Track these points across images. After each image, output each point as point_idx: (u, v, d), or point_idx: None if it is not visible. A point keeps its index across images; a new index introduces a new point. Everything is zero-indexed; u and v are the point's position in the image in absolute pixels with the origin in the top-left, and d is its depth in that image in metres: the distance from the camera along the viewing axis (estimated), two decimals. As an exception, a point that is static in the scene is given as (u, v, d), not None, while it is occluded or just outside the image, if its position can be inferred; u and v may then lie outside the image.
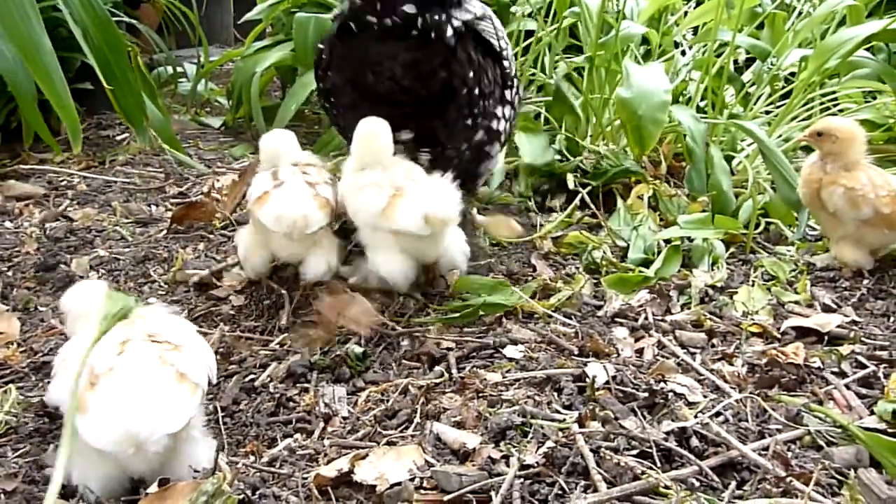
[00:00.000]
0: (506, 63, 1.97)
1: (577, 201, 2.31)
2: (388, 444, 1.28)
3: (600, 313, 1.84)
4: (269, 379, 1.63)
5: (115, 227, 2.23)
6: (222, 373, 1.67)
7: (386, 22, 1.73)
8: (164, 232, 2.22)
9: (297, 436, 1.41)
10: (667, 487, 1.13)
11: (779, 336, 1.79)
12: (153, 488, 1.08)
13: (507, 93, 2.01)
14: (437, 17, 1.75)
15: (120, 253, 2.08)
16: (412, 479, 1.14)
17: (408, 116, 1.85)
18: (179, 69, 3.76)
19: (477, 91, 1.87)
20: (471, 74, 1.84)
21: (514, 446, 1.23)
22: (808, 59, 2.57)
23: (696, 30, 3.31)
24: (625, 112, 2.26)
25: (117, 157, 2.90)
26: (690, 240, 2.17)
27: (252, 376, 1.65)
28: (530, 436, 1.27)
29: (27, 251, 2.08)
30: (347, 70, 1.87)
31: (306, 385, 1.59)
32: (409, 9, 1.71)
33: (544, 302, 1.84)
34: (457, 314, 1.80)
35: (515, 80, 2.05)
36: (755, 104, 2.99)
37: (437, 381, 1.52)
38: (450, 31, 1.77)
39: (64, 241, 2.15)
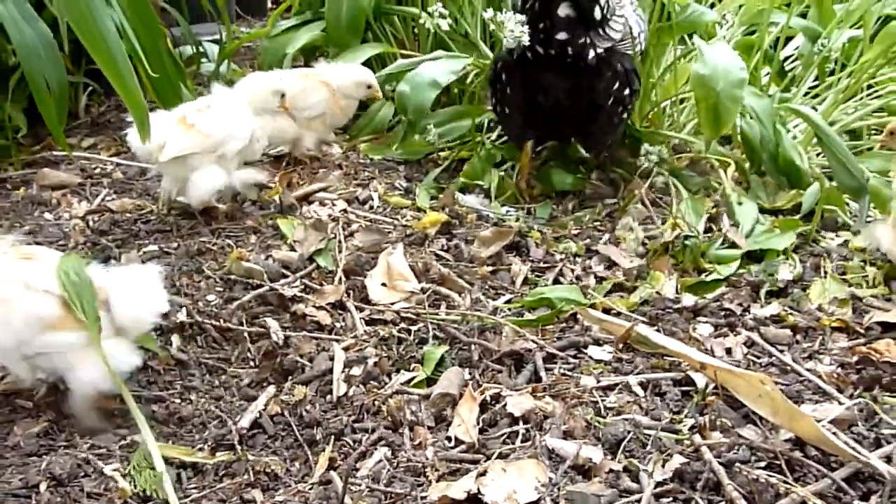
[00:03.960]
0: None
1: (644, 188, 2.24)
2: (500, 456, 1.22)
3: (678, 306, 1.78)
4: (344, 381, 1.57)
5: (161, 218, 2.14)
6: (293, 374, 1.61)
7: (550, 52, 2.12)
8: (213, 223, 2.13)
9: (386, 449, 1.35)
10: (812, 506, 1.08)
11: (863, 332, 1.74)
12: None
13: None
14: (581, 42, 2.12)
15: (169, 247, 1.99)
16: (541, 499, 1.08)
17: (569, 126, 2.32)
18: (200, 48, 3.62)
19: (627, 93, 2.23)
20: (616, 86, 2.20)
21: (636, 458, 1.17)
22: (876, 41, 2.49)
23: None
24: (702, 89, 2.16)
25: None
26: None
27: (325, 378, 1.59)
28: (648, 446, 1.21)
29: (73, 244, 1.99)
30: (521, 89, 2.26)
31: (384, 390, 1.53)
32: (561, 36, 2.10)
33: (625, 300, 1.78)
34: (533, 314, 1.75)
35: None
36: (797, 87, 2.91)
37: (529, 385, 1.46)
38: (591, 55, 2.14)
39: (110, 233, 2.06)
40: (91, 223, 2.11)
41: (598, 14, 2.14)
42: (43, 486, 1.16)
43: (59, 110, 2.38)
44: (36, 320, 1.30)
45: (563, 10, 2.10)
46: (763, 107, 2.28)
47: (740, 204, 2.13)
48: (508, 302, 1.84)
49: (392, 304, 1.82)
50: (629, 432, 1.24)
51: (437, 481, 1.17)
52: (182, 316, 1.73)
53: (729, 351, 1.63)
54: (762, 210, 2.23)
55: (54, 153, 2.62)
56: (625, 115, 2.30)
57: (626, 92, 2.23)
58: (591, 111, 2.24)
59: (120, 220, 2.14)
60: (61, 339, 1.32)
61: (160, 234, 2.08)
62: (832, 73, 2.91)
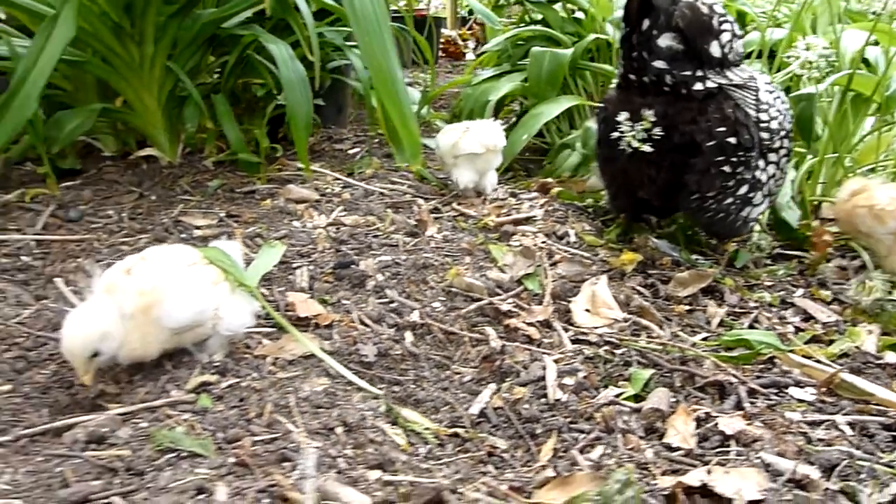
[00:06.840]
0: (764, 135, 2.11)
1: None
2: (718, 465, 1.37)
3: (881, 362, 1.84)
4: (558, 388, 1.76)
5: (388, 235, 2.46)
6: (510, 377, 1.82)
7: (644, 79, 2.09)
8: (432, 243, 2.42)
9: (604, 447, 1.53)
10: None
11: None
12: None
13: (771, 155, 2.16)
14: (685, 74, 2.03)
15: (398, 258, 2.30)
16: (765, 500, 1.22)
17: (660, 166, 2.15)
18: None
19: (734, 142, 2.05)
20: (721, 129, 2.04)
21: (854, 482, 1.28)
22: None
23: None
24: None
25: (364, 171, 3.17)
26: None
27: (539, 384, 1.79)
28: (863, 474, 1.31)
29: (321, 249, 2.34)
30: (615, 122, 2.14)
31: (596, 399, 1.71)
32: (660, 65, 2.05)
33: (825, 350, 1.86)
34: (733, 351, 1.87)
35: (783, 145, 2.18)
36: None
37: (734, 412, 1.59)
38: (698, 87, 2.04)
39: (348, 243, 2.41)
40: (332, 234, 2.47)
41: (715, 50, 2.03)
42: (339, 430, 1.44)
43: (305, 137, 2.81)
44: None
45: (665, 41, 2.04)
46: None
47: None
48: (705, 339, 1.97)
49: (596, 328, 2.00)
50: (843, 460, 1.34)
51: (662, 475, 1.33)
52: (415, 316, 2.01)
53: (936, 409, 1.67)
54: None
55: (287, 173, 3.06)
56: (729, 174, 2.06)
57: (732, 140, 2.03)
58: (687, 150, 2.06)
59: (354, 232, 2.49)
60: None
61: (388, 247, 2.40)
62: None
